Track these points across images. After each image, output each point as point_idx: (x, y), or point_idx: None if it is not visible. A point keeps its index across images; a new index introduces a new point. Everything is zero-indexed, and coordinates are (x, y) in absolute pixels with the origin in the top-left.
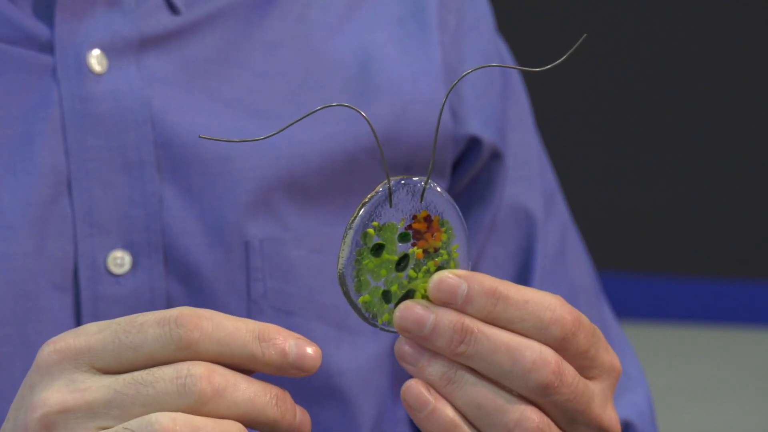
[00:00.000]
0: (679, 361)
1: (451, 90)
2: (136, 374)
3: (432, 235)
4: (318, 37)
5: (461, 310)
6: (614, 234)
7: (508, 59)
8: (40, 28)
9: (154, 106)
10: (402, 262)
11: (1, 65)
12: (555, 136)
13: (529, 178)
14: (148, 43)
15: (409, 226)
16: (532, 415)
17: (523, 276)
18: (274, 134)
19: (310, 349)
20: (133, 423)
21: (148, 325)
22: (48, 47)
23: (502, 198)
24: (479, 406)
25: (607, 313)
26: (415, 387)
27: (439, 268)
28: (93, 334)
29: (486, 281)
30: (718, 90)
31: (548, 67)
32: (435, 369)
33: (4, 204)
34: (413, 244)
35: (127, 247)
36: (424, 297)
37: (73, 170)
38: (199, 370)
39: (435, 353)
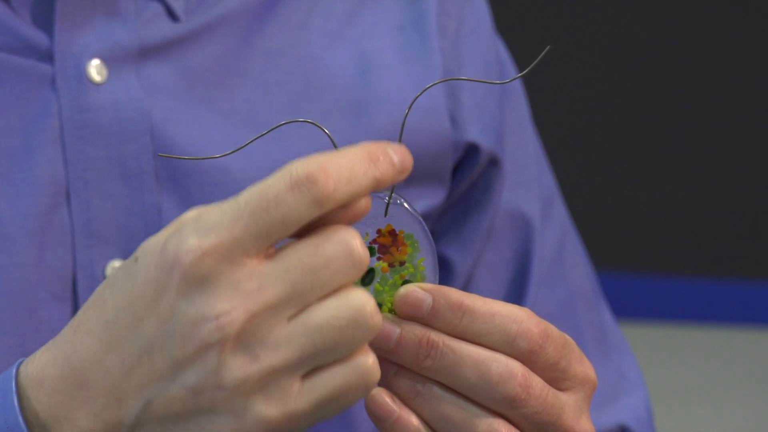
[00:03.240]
0: (679, 361)
1: (411, 105)
2: (304, 258)
3: (397, 249)
4: (318, 45)
5: (427, 323)
6: (614, 234)
7: (508, 63)
8: (39, 37)
9: (154, 117)
10: (368, 277)
11: (0, 75)
12: (555, 136)
13: (526, 183)
14: (148, 52)
15: (374, 240)
16: (500, 427)
17: (520, 281)
18: (234, 152)
19: (402, 151)
20: (339, 310)
21: (283, 195)
22: (48, 56)
23: (499, 204)
24: (447, 419)
25: (606, 317)
26: (379, 396)
27: (406, 281)
28: (231, 223)
29: (452, 295)
30: (717, 90)
31: (511, 80)
32: (402, 383)
33: (3, 215)
34: (378, 258)
35: (126, 257)
36: (391, 311)
37: (72, 180)
38: (358, 237)
39: (402, 367)
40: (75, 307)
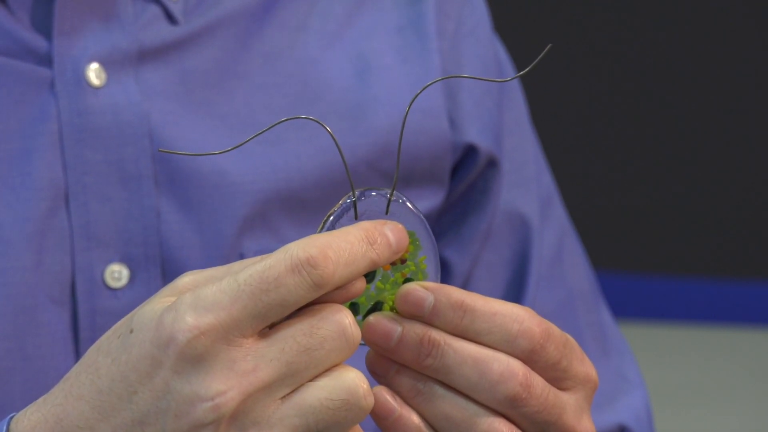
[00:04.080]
0: (679, 361)
1: (410, 105)
2: (299, 339)
3: None
4: (317, 47)
5: (428, 322)
6: (614, 234)
7: (506, 63)
8: (38, 41)
9: (152, 120)
10: (369, 274)
11: None
12: (554, 136)
13: (525, 184)
14: (146, 56)
15: None
16: (500, 427)
17: (518, 281)
18: (234, 148)
19: (398, 230)
20: (333, 392)
21: (283, 277)
22: (46, 60)
23: (497, 205)
24: (448, 418)
25: (605, 317)
26: (380, 395)
27: (407, 279)
28: (229, 304)
29: (453, 293)
30: (717, 90)
31: (512, 78)
32: (403, 381)
33: (2, 218)
34: None
35: (125, 260)
36: (393, 309)
37: (71, 184)
38: (350, 316)
39: (403, 366)
40: (74, 311)
